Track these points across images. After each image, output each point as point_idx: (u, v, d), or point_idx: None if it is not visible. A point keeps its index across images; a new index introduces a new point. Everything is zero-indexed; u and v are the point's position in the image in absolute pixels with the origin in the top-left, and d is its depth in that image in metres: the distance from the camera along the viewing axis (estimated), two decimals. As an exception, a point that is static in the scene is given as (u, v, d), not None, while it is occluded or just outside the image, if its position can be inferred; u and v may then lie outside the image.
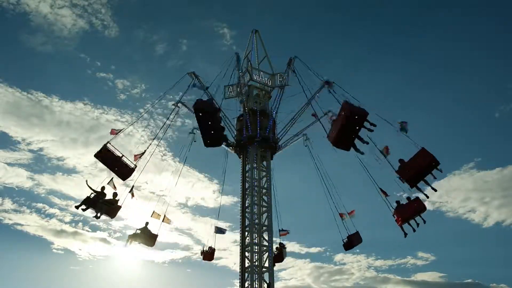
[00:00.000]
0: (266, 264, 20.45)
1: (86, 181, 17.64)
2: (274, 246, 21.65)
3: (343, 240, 21.44)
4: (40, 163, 54.69)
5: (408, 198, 16.64)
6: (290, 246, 55.86)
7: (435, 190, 15.23)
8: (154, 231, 19.80)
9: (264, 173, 22.55)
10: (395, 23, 66.05)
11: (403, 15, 65.77)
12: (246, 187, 22.19)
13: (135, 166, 18.99)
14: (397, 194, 17.53)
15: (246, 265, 20.41)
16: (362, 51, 66.96)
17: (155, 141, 19.83)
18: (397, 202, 16.99)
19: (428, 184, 15.17)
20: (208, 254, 22.21)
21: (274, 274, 20.47)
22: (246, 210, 21.53)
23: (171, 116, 21.68)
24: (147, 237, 19.33)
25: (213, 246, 22.29)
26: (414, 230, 16.45)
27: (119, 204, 18.33)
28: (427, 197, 15.62)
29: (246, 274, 20.19)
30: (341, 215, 21.67)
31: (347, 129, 14.53)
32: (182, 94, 22.21)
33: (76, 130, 54.71)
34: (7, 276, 49.71)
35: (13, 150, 50.98)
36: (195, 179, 56.09)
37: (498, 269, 54.71)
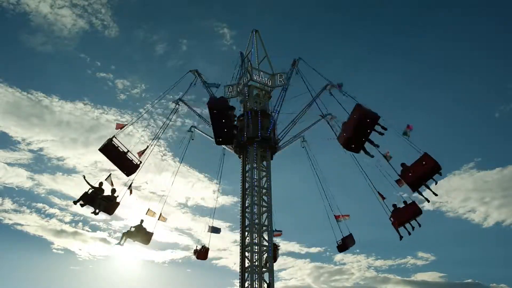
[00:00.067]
0: (267, 264, 20.47)
1: (84, 176, 17.48)
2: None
3: (337, 242, 21.70)
4: (40, 163, 54.70)
5: (404, 202, 16.79)
6: (290, 246, 55.92)
7: (436, 195, 15.36)
8: (150, 229, 19.54)
9: (264, 173, 22.56)
10: (395, 23, 66.12)
11: (403, 15, 65.85)
12: (246, 187, 22.20)
13: (140, 162, 18.81)
14: (397, 194, 17.62)
15: (246, 265, 20.42)
16: (362, 51, 67.01)
17: (155, 141, 19.66)
18: (394, 205, 17.17)
19: (429, 188, 15.27)
20: (202, 253, 22.22)
21: (274, 274, 20.50)
22: (246, 210, 21.53)
23: (172, 114, 21.69)
24: (142, 235, 19.12)
25: (206, 245, 22.33)
26: (409, 234, 16.62)
27: (117, 200, 18.12)
28: (428, 201, 15.66)
29: (246, 274, 20.20)
30: (337, 217, 21.82)
31: (359, 132, 14.56)
32: (185, 92, 22.30)
33: (76, 130, 54.71)
34: (7, 276, 49.73)
35: (13, 150, 50.99)
36: (195, 179, 56.10)
37: (498, 269, 54.75)
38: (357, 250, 55.53)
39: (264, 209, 21.66)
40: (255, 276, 19.90)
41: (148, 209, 19.72)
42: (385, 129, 14.60)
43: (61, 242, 54.62)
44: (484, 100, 60.84)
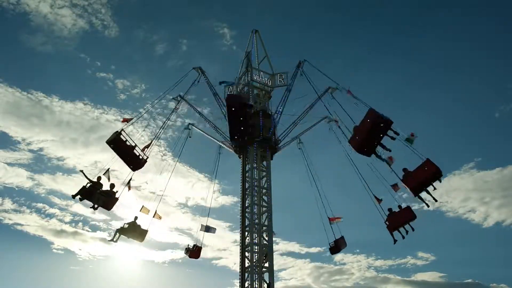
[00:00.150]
0: (266, 264, 20.47)
1: (82, 170, 17.25)
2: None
3: (329, 244, 21.81)
4: (40, 163, 54.65)
5: (399, 206, 17.10)
6: (290, 246, 55.97)
7: (436, 200, 15.65)
8: (145, 227, 19.35)
9: (264, 173, 22.56)
10: (395, 23, 66.04)
11: (403, 15, 65.78)
12: (246, 187, 22.19)
13: (147, 157, 18.59)
14: (397, 196, 17.72)
15: (246, 265, 20.42)
16: (362, 51, 66.93)
17: (155, 141, 19.52)
18: (389, 209, 17.41)
19: (430, 194, 15.48)
20: (194, 252, 22.11)
21: (274, 274, 20.49)
22: (246, 210, 21.53)
23: (174, 111, 21.55)
24: (137, 232, 18.93)
25: (198, 244, 22.23)
26: (403, 237, 16.89)
27: (116, 196, 17.89)
28: (428, 206, 15.89)
29: (246, 274, 20.19)
30: (330, 219, 21.93)
31: (372, 136, 14.80)
32: (188, 89, 22.24)
33: (76, 130, 54.67)
34: (7, 276, 49.71)
35: (13, 150, 50.97)
36: (195, 179, 56.10)
37: (498, 269, 54.67)
38: (357, 250, 55.57)
39: (264, 209, 21.66)
40: (255, 276, 19.90)
41: (143, 206, 19.52)
42: (397, 134, 14.85)
43: (61, 242, 54.64)
44: (484, 100, 60.84)
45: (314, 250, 57.41)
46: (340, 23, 69.79)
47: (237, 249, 21.62)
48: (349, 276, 55.21)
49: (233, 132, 16.70)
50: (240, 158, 23.31)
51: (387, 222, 17.19)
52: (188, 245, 22.41)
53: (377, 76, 64.05)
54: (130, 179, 18.62)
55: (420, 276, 53.39)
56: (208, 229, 22.27)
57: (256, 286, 19.77)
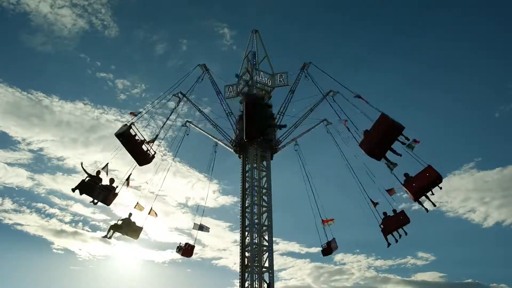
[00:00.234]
0: (266, 264, 20.48)
1: (82, 163, 17.10)
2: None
3: (322, 245, 21.98)
4: (40, 163, 54.64)
5: (394, 210, 17.46)
6: (290, 246, 55.96)
7: (435, 205, 15.95)
8: (140, 224, 19.19)
9: (264, 173, 22.56)
10: (395, 23, 66.01)
11: (403, 15, 65.74)
12: (246, 187, 22.19)
13: (155, 152, 18.42)
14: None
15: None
16: (362, 51, 66.87)
17: (146, 145, 19.23)
18: (384, 213, 17.74)
19: (429, 199, 15.73)
20: (187, 251, 22.10)
21: (274, 274, 20.50)
22: (246, 210, 21.53)
23: (176, 107, 21.42)
24: (131, 229, 18.75)
25: (190, 243, 22.20)
26: (396, 241, 17.29)
27: (116, 191, 17.67)
28: (427, 210, 16.06)
29: (246, 274, 20.19)
30: (324, 221, 22.08)
31: (383, 141, 15.05)
32: (191, 86, 22.26)
33: (76, 130, 54.62)
34: (7, 276, 49.69)
35: (13, 150, 50.96)
36: (195, 179, 56.09)
37: (498, 269, 54.61)
38: (357, 250, 55.58)
39: (264, 209, 21.66)
40: (255, 276, 19.90)
41: (137, 203, 19.34)
42: (408, 139, 15.08)
43: (61, 242, 54.63)
44: (484, 100, 60.79)
45: (314, 250, 57.32)
46: (340, 23, 69.82)
47: (237, 249, 21.66)
48: (349, 276, 55.21)
49: (249, 131, 16.43)
50: (240, 158, 23.31)
51: (381, 226, 17.57)
52: (180, 243, 22.34)
53: (377, 76, 64.07)
54: (129, 175, 18.44)
55: (420, 276, 53.40)
56: (201, 227, 22.23)
57: (256, 286, 19.77)
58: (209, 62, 24.22)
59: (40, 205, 52.84)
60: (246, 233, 21.05)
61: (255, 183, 21.80)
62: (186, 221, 58.13)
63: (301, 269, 56.94)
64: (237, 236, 21.85)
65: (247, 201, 21.68)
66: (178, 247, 22.27)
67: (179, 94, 21.94)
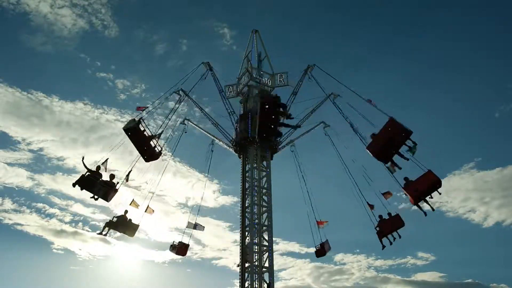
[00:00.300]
0: (266, 264, 20.49)
1: (82, 158, 16.90)
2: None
3: (315, 247, 22.22)
4: (40, 163, 54.69)
5: (389, 214, 17.94)
6: (290, 246, 55.98)
7: (433, 210, 16.26)
8: (137, 222, 18.99)
9: (264, 173, 22.56)
10: (395, 23, 66.04)
11: (403, 15, 65.78)
12: (246, 187, 22.19)
13: (161, 149, 18.22)
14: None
15: (246, 265, 20.42)
16: (362, 51, 66.91)
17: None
18: (380, 216, 18.18)
19: (428, 203, 16.04)
20: (181, 249, 21.90)
21: (274, 274, 20.51)
22: (246, 210, 21.53)
23: (176, 104, 21.27)
24: (127, 226, 18.53)
25: (183, 241, 21.97)
26: (390, 243, 17.77)
27: (116, 187, 17.51)
28: (425, 214, 16.37)
29: (246, 274, 20.20)
30: (318, 223, 22.30)
31: (391, 145, 15.35)
32: (194, 84, 22.18)
33: (76, 130, 54.68)
34: (7, 276, 49.75)
35: (13, 150, 51.01)
36: (195, 179, 56.09)
37: (498, 269, 54.72)
38: (357, 250, 55.64)
39: (264, 209, 21.67)
40: (255, 276, 19.91)
41: (133, 200, 19.10)
42: (415, 144, 15.33)
43: (61, 242, 54.66)
44: (484, 100, 60.85)
45: (314, 250, 57.39)
46: (340, 23, 69.85)
47: (237, 249, 21.66)
48: (349, 276, 55.27)
49: (262, 131, 16.35)
50: (240, 158, 23.31)
51: (377, 228, 18.02)
52: (174, 241, 22.20)
53: (377, 76, 64.09)
54: (130, 171, 18.21)
55: (420, 276, 53.48)
56: (195, 226, 22.13)
57: (256, 286, 19.78)
58: (210, 62, 24.22)
59: (40, 205, 52.93)
60: (246, 233, 21.07)
61: (255, 183, 21.80)
62: (186, 221, 58.04)
63: (301, 269, 57.04)
64: (237, 236, 21.89)
65: (247, 201, 21.68)
66: (171, 245, 22.12)
67: (180, 92, 21.81)
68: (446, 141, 60.09)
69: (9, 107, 50.02)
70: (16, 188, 52.14)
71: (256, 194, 21.58)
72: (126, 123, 17.49)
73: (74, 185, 16.60)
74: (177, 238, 22.32)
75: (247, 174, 22.34)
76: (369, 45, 65.57)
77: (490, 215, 55.19)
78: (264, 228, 21.18)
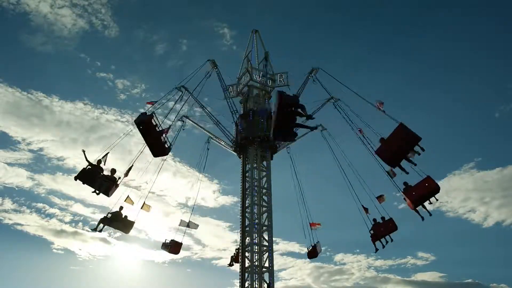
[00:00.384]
0: (266, 264, 20.50)
1: (84, 151, 16.49)
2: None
3: (307, 248, 22.35)
4: (40, 163, 54.62)
5: (382, 218, 18.47)
6: (290, 246, 55.94)
7: (430, 215, 16.52)
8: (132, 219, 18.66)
9: (264, 173, 22.57)
10: (395, 23, 66.01)
11: (403, 15, 65.74)
12: (246, 187, 22.20)
13: (171, 144, 17.98)
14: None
15: (246, 265, 20.43)
16: (362, 51, 66.84)
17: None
18: (374, 220, 18.68)
19: (425, 209, 16.35)
20: (174, 248, 21.68)
21: (274, 274, 20.54)
22: (246, 210, 21.54)
23: (178, 101, 21.02)
24: (122, 223, 18.21)
25: (175, 240, 21.81)
26: (383, 247, 18.42)
27: (118, 182, 17.17)
28: (423, 218, 16.57)
29: (246, 274, 20.21)
30: (312, 225, 22.45)
31: (400, 150, 15.62)
32: (199, 82, 22.06)
33: (76, 130, 54.61)
34: (7, 276, 49.73)
35: (13, 150, 50.95)
36: (195, 179, 56.06)
37: (498, 269, 54.66)
38: (357, 250, 55.56)
39: (264, 209, 21.67)
40: (255, 276, 19.92)
41: (128, 196, 18.68)
42: (423, 150, 15.56)
43: (61, 242, 54.63)
44: (484, 100, 60.79)
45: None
46: (340, 23, 69.81)
47: (237, 249, 21.66)
48: (349, 276, 55.23)
49: (277, 131, 16.11)
50: (240, 158, 23.32)
51: (371, 232, 18.53)
52: (165, 239, 21.94)
53: (377, 76, 64.06)
54: (131, 167, 18.01)
55: (420, 276, 53.41)
56: (189, 224, 22.01)
57: (256, 286, 19.79)
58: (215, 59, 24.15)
59: (40, 205, 52.88)
60: (246, 233, 21.07)
61: (255, 183, 21.81)
62: (186, 221, 58.11)
63: (301, 269, 56.99)
64: (237, 236, 21.91)
65: (247, 201, 21.70)
66: (163, 243, 21.85)
67: (182, 88, 21.57)
68: (446, 141, 60.08)
69: (9, 107, 50.05)
70: (16, 188, 52.15)
71: (256, 194, 21.59)
72: (137, 116, 17.16)
73: (75, 178, 16.38)
74: (177, 238, 22.26)
75: (247, 174, 22.35)
76: (369, 45, 65.59)
77: (490, 215, 55.19)
78: (264, 228, 21.20)
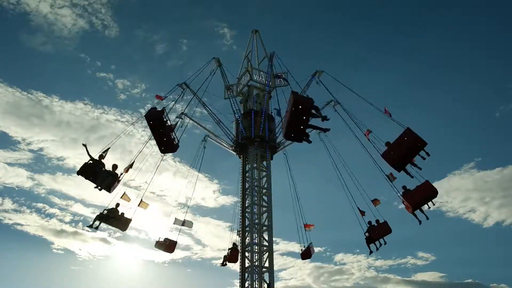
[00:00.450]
0: (266, 264, 20.49)
1: (85, 145, 16.26)
2: None
3: (301, 249, 22.40)
4: (40, 163, 54.66)
5: (377, 221, 18.81)
6: (290, 246, 55.90)
7: (427, 218, 16.76)
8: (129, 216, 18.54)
9: (264, 173, 22.57)
10: (395, 23, 66.08)
11: (403, 15, 65.81)
12: (246, 187, 22.20)
13: (178, 141, 17.76)
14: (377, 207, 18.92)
15: (246, 265, 20.43)
16: (362, 51, 66.92)
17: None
18: (369, 222, 18.94)
19: (423, 212, 16.61)
20: (168, 246, 21.26)
21: (274, 274, 20.52)
22: (246, 210, 21.54)
23: (179, 97, 20.75)
24: (118, 220, 18.01)
25: (169, 238, 21.42)
26: (377, 249, 18.84)
27: (119, 178, 16.99)
28: (420, 223, 16.81)
29: (246, 274, 20.21)
30: (306, 226, 22.42)
31: (406, 154, 15.87)
32: (206, 79, 21.99)
33: (76, 130, 54.60)
34: (7, 276, 49.76)
35: (13, 150, 50.97)
36: (195, 179, 56.05)
37: (498, 269, 54.77)
38: (357, 250, 55.56)
39: (264, 209, 21.67)
40: (255, 276, 19.91)
41: (124, 193, 18.41)
42: (429, 155, 15.81)
43: (61, 242, 54.61)
44: (484, 100, 60.86)
45: (314, 250, 57.39)
46: (340, 23, 69.86)
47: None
48: (349, 276, 55.25)
49: (290, 131, 16.01)
50: (240, 158, 23.32)
51: (366, 234, 18.79)
52: (159, 238, 21.46)
53: (377, 76, 64.14)
54: (133, 162, 17.82)
55: (420, 276, 53.46)
56: (183, 223, 21.63)
57: (256, 286, 19.78)
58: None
59: (40, 205, 52.88)
60: (246, 233, 21.07)
61: (255, 183, 21.81)
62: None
63: (301, 269, 56.98)
64: (234, 235, 21.91)
65: (247, 201, 21.69)
66: (157, 242, 21.40)
67: (184, 85, 21.44)
68: (446, 141, 60.07)
69: (9, 107, 50.07)
70: (16, 188, 52.16)
71: (256, 194, 21.59)
72: (147, 111, 16.99)
73: (78, 173, 16.14)
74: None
75: (247, 174, 22.35)
76: (369, 45, 65.66)
77: (490, 215, 55.23)
78: (264, 228, 21.19)
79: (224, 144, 23.70)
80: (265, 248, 20.80)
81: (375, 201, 19.12)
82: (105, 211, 17.84)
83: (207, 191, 56.64)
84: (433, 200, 16.14)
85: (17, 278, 50.75)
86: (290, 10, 65.30)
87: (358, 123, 18.65)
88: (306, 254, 22.26)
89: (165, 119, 16.73)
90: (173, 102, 20.68)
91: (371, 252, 18.90)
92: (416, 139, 15.36)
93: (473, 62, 62.28)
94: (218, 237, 56.87)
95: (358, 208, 19.42)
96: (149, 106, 20.40)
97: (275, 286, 20.17)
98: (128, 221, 18.42)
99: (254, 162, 22.21)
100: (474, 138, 63.64)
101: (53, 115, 52.60)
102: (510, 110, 58.12)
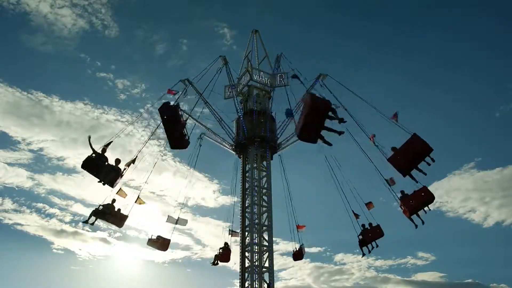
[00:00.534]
0: (266, 264, 20.50)
1: (89, 137, 16.03)
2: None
3: (293, 250, 22.69)
4: (40, 163, 54.63)
5: (370, 224, 19.21)
6: (290, 246, 55.92)
7: (423, 223, 17.04)
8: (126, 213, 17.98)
9: (264, 173, 22.57)
10: (395, 23, 66.08)
11: (403, 15, 65.82)
12: (246, 187, 22.21)
13: (189, 137, 17.50)
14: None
15: (246, 265, 20.44)
16: (362, 51, 66.91)
17: (156, 141, 18.80)
18: (363, 225, 19.30)
19: (419, 217, 16.85)
20: (162, 244, 20.97)
21: (274, 274, 20.54)
22: (246, 210, 21.54)
23: (182, 94, 20.12)
24: (115, 216, 17.65)
25: (162, 236, 21.06)
26: (369, 251, 19.25)
27: (122, 173, 16.67)
28: (416, 227, 17.07)
29: (246, 274, 20.21)
30: (298, 227, 22.72)
31: (413, 160, 16.07)
32: (213, 77, 21.96)
33: (76, 130, 54.55)
34: (7, 276, 49.71)
35: (13, 150, 50.92)
36: (194, 179, 56.07)
37: (498, 269, 54.71)
38: (357, 250, 55.40)
39: (264, 209, 21.68)
40: (255, 276, 19.92)
41: (120, 188, 17.97)
42: (434, 161, 15.98)
43: (61, 242, 54.58)
44: (484, 100, 60.86)
45: (314, 250, 57.30)
46: (340, 23, 69.88)
47: (237, 249, 21.67)
48: (349, 276, 55.24)
49: (304, 132, 15.88)
50: (240, 158, 23.32)
51: (360, 237, 19.12)
52: (152, 235, 21.06)
53: (377, 76, 64.12)
54: (136, 157, 17.54)
55: (420, 276, 53.43)
56: (177, 221, 21.22)
57: (256, 286, 19.80)
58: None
59: (40, 205, 52.84)
60: (246, 233, 21.08)
61: (255, 183, 21.81)
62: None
63: (301, 269, 56.94)
64: (237, 236, 21.87)
65: (247, 201, 21.70)
66: (149, 239, 21.02)
67: (186, 82, 21.26)
68: (446, 141, 60.03)
69: (9, 107, 50.03)
70: (16, 188, 52.11)
71: (256, 194, 21.59)
72: (161, 105, 16.59)
73: (82, 167, 15.98)
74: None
75: (247, 174, 22.36)
76: (369, 45, 65.65)
77: (490, 215, 55.21)
78: (264, 228, 21.20)
79: (224, 144, 23.72)
80: (265, 248, 20.83)
81: (368, 205, 19.43)
82: (101, 207, 17.53)
83: (207, 191, 56.67)
84: (429, 205, 16.35)
85: (17, 278, 50.78)
86: (290, 10, 65.36)
87: (363, 127, 18.66)
88: (298, 255, 22.47)
89: (180, 113, 16.53)
90: (176, 97, 20.39)
91: (363, 254, 19.30)
92: (423, 145, 15.55)
93: (473, 62, 62.36)
94: (218, 237, 56.65)
95: (353, 211, 19.66)
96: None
97: (275, 286, 20.20)
98: (124, 217, 18.01)
99: (254, 162, 22.21)
100: (474, 138, 63.70)
101: (53, 115, 52.63)
102: (510, 110, 58.16)
